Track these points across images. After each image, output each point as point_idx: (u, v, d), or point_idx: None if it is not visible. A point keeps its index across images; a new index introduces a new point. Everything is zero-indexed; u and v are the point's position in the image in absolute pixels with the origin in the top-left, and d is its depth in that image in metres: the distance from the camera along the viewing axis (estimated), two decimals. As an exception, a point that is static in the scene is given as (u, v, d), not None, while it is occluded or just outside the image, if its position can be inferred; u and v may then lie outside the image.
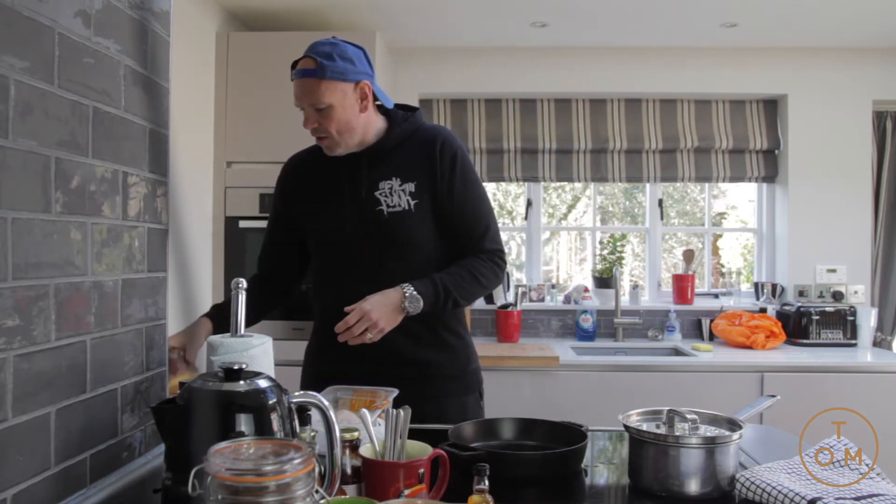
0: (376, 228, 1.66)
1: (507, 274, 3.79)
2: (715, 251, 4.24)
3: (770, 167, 3.81)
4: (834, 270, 3.69)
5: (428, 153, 1.69)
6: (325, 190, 1.73)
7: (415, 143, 1.71)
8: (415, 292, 1.57)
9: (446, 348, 1.73)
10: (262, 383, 1.00)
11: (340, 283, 1.70)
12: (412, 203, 1.67)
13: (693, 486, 1.13)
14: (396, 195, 1.67)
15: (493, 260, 1.71)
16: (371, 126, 1.69)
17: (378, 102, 1.70)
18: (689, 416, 1.16)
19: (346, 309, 1.55)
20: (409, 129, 1.72)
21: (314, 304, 1.81)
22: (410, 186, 1.67)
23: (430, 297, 1.60)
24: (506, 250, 1.78)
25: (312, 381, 1.74)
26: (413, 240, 1.67)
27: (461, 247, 1.71)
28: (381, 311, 1.54)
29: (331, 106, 1.60)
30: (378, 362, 1.64)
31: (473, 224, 1.71)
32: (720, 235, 4.31)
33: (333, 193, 1.72)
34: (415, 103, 3.69)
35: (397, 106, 1.77)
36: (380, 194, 1.67)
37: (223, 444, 0.82)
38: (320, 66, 1.58)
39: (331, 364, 1.70)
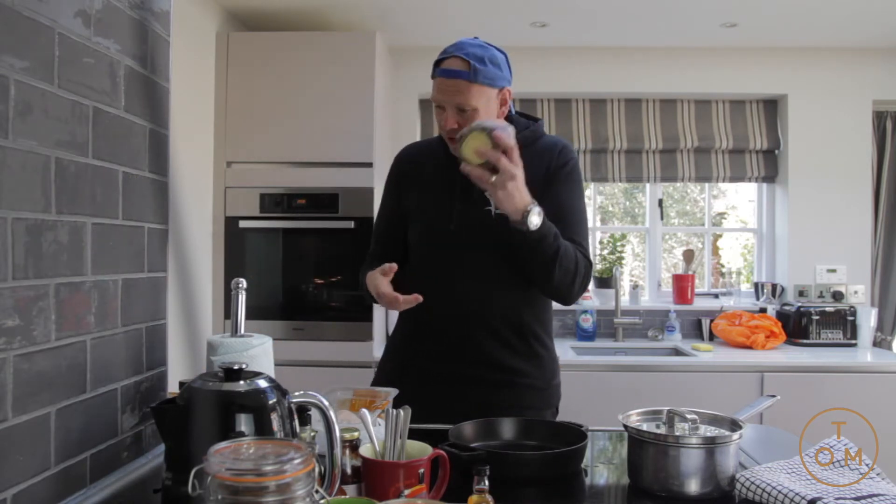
0: (482, 228, 1.64)
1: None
2: (715, 251, 4.24)
3: (770, 167, 3.81)
4: (834, 270, 3.69)
5: (546, 160, 1.67)
6: (436, 184, 1.71)
7: (534, 150, 1.68)
8: (540, 212, 1.49)
9: (535, 358, 1.69)
10: (262, 383, 1.00)
11: (437, 278, 1.66)
12: None
13: (693, 486, 1.13)
14: None
15: (586, 265, 1.63)
16: None
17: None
18: (689, 416, 1.16)
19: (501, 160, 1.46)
20: (530, 137, 1.69)
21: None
22: None
23: (547, 226, 1.52)
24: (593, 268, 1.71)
25: (394, 372, 1.71)
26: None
27: None
28: (519, 186, 1.47)
29: (475, 109, 1.58)
30: (465, 362, 1.63)
31: (567, 224, 1.62)
32: (720, 235, 4.31)
33: (444, 188, 1.69)
34: (415, 103, 3.69)
35: (519, 114, 1.75)
36: (490, 195, 1.62)
37: (223, 444, 0.82)
38: (473, 69, 1.56)
39: (418, 358, 1.67)
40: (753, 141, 3.77)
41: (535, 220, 1.50)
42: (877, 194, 3.77)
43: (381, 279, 1.57)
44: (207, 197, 3.06)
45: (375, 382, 1.74)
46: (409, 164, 1.81)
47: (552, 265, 1.55)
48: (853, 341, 3.44)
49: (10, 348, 0.94)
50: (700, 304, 3.78)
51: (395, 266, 1.56)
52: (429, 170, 1.76)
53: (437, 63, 1.63)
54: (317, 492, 0.83)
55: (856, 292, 3.67)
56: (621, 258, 3.88)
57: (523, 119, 1.75)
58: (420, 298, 1.52)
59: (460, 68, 1.58)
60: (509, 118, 1.71)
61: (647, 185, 3.96)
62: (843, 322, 3.45)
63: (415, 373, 1.59)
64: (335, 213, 3.03)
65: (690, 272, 3.87)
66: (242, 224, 3.07)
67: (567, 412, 1.71)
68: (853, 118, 3.69)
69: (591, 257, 1.69)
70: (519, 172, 1.48)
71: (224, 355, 1.20)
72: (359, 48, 3.08)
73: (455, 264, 1.66)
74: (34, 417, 0.99)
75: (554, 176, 1.67)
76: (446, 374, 1.58)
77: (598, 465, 1.38)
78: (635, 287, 3.86)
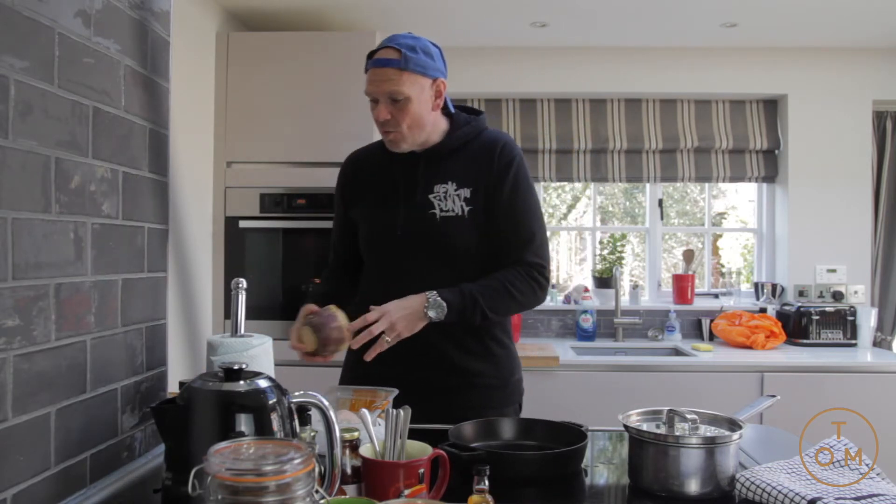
0: (428, 232, 1.63)
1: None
2: (715, 251, 4.24)
3: (770, 167, 3.81)
4: (834, 270, 3.69)
5: (488, 159, 1.66)
6: (379, 189, 1.71)
7: (475, 147, 1.68)
8: (439, 299, 1.52)
9: (491, 358, 1.69)
10: (262, 383, 1.00)
11: (387, 284, 1.65)
12: (466, 209, 1.62)
13: (693, 486, 1.13)
14: (451, 200, 1.63)
15: (531, 274, 1.62)
16: (437, 126, 1.66)
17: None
18: (689, 416, 1.16)
19: (371, 308, 1.52)
20: (470, 133, 1.68)
21: (360, 303, 1.73)
22: (466, 192, 1.63)
23: (456, 305, 1.54)
24: (551, 267, 1.71)
25: (354, 382, 1.68)
26: (463, 246, 1.63)
27: (503, 256, 1.64)
28: (401, 315, 1.50)
29: (408, 98, 1.57)
30: (423, 367, 1.62)
31: (517, 233, 1.64)
32: (720, 235, 4.31)
33: (388, 193, 1.69)
34: (415, 103, 3.69)
35: (460, 108, 1.74)
36: (434, 197, 1.64)
37: (223, 444, 0.82)
38: (404, 56, 1.56)
39: (374, 366, 1.63)
40: (753, 141, 3.77)
41: (438, 313, 1.54)
42: (877, 194, 3.76)
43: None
44: (207, 197, 3.06)
45: None
46: (352, 171, 1.79)
47: (490, 315, 1.59)
48: (853, 341, 3.44)
49: (10, 348, 0.94)
50: (700, 304, 3.78)
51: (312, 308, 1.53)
52: (371, 175, 1.74)
53: (369, 56, 1.62)
54: (317, 492, 0.83)
55: (856, 292, 3.67)
56: (621, 258, 3.88)
57: (464, 114, 1.73)
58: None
59: (392, 56, 1.57)
60: (447, 112, 1.70)
61: (647, 185, 3.96)
62: (843, 322, 3.45)
63: (374, 382, 1.54)
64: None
65: (690, 272, 3.87)
66: (242, 224, 3.07)
67: (567, 412, 1.71)
68: (853, 118, 3.69)
69: (540, 257, 1.65)
70: (394, 316, 1.49)
71: (224, 355, 1.20)
72: (359, 48, 3.05)
73: (404, 269, 1.65)
74: (34, 417, 0.99)
75: (499, 179, 1.64)
76: (404, 380, 1.54)
77: (598, 465, 1.38)
78: (635, 287, 3.86)
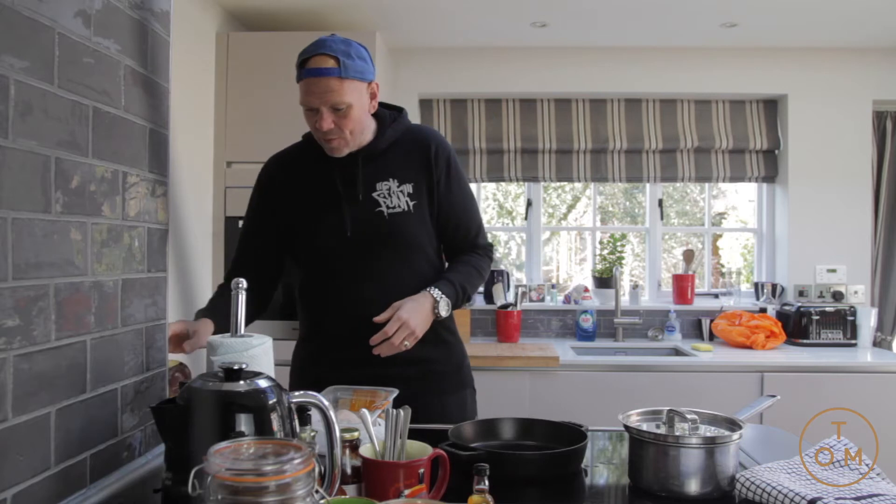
0: (378, 230, 1.65)
1: (507, 274, 3.80)
2: (715, 251, 4.24)
3: (770, 167, 3.81)
4: (834, 270, 3.69)
5: (423, 155, 1.70)
6: (317, 192, 1.70)
7: (407, 143, 1.71)
8: (444, 297, 1.61)
9: (443, 345, 1.75)
10: (262, 383, 1.00)
11: (341, 287, 1.67)
12: (411, 204, 1.67)
13: (693, 486, 1.13)
14: (395, 196, 1.66)
15: (487, 255, 1.79)
16: (369, 126, 1.69)
17: None
18: (689, 416, 1.16)
19: (378, 319, 1.55)
20: (399, 129, 1.72)
21: (304, 308, 1.78)
22: (408, 188, 1.67)
23: (453, 297, 1.65)
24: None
25: (308, 386, 1.70)
26: (415, 240, 1.68)
27: (457, 245, 1.76)
28: (418, 319, 1.56)
29: (350, 106, 1.57)
30: (377, 364, 1.63)
31: (469, 224, 1.76)
32: (720, 235, 4.31)
33: (328, 196, 1.68)
34: (415, 103, 3.69)
35: (382, 105, 1.74)
36: (378, 195, 1.66)
37: (223, 444, 0.82)
38: (343, 65, 1.54)
39: (329, 369, 1.67)
40: (753, 141, 3.77)
41: (446, 309, 1.63)
42: (877, 194, 3.77)
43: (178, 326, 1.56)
44: (207, 197, 3.06)
45: None
46: (281, 174, 1.76)
47: (470, 298, 1.75)
48: (853, 341, 3.44)
49: (10, 348, 0.94)
50: (700, 304, 3.78)
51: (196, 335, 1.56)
52: (304, 177, 1.72)
53: (302, 64, 1.59)
54: (317, 492, 0.83)
55: (856, 292, 3.67)
56: (621, 258, 3.88)
57: (387, 112, 1.74)
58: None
59: (329, 66, 1.55)
60: (376, 112, 1.71)
61: (647, 185, 3.96)
62: (843, 322, 3.45)
63: (327, 384, 1.53)
64: (335, 213, 3.03)
65: (690, 272, 3.87)
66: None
67: (567, 412, 1.71)
68: (853, 118, 3.69)
69: (486, 238, 1.82)
70: (412, 322, 1.55)
71: (224, 355, 1.20)
72: (359, 48, 3.08)
73: (355, 270, 1.66)
74: (34, 417, 0.99)
75: (445, 181, 1.71)
76: (365, 378, 1.55)
77: (598, 465, 1.38)
78: (635, 287, 3.86)
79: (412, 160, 1.70)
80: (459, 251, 1.77)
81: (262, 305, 1.78)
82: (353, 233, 1.66)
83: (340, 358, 1.67)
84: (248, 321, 1.65)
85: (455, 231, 1.75)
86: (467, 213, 1.76)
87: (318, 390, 1.48)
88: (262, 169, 1.83)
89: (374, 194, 1.66)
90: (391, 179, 1.67)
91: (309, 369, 1.76)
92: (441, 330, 1.73)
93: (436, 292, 1.61)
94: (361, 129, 1.64)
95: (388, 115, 1.73)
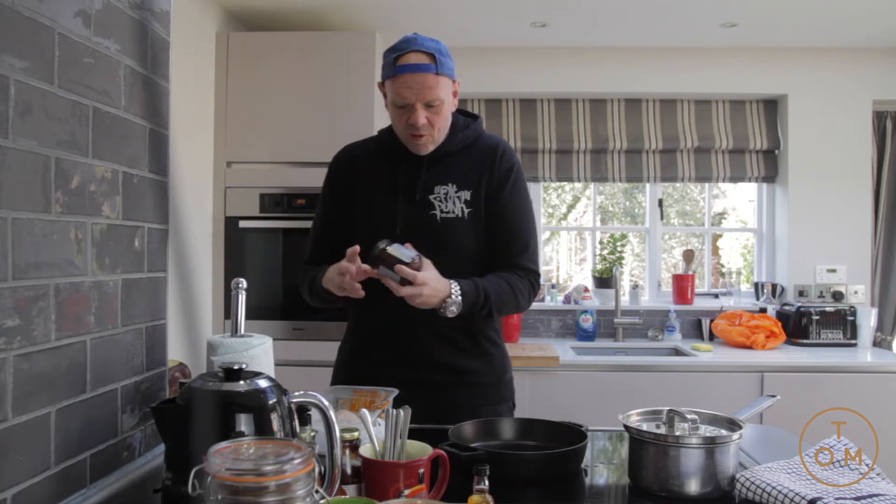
0: (428, 232, 1.63)
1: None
2: (715, 251, 4.24)
3: (770, 167, 3.81)
4: (834, 270, 3.69)
5: (487, 163, 1.68)
6: (379, 187, 1.69)
7: (475, 151, 1.69)
8: (459, 299, 1.53)
9: (484, 356, 1.70)
10: (262, 383, 1.00)
11: (383, 283, 1.62)
12: (466, 211, 1.64)
13: (693, 486, 1.13)
14: (451, 201, 1.64)
15: (531, 280, 1.67)
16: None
17: None
18: (689, 416, 1.16)
19: (406, 272, 1.49)
20: (471, 136, 1.70)
21: (352, 303, 1.73)
22: (466, 194, 1.65)
23: (471, 300, 1.56)
24: (551, 268, 1.77)
25: (347, 382, 1.66)
26: (462, 247, 1.64)
27: (499, 260, 1.67)
28: (429, 295, 1.50)
29: (443, 102, 1.57)
30: (415, 367, 1.63)
31: (514, 238, 1.67)
32: (720, 235, 4.31)
33: (387, 192, 1.68)
34: (415, 103, 3.69)
35: (457, 111, 1.73)
36: (434, 198, 1.65)
37: (223, 444, 0.82)
38: (438, 61, 1.54)
39: (367, 367, 1.66)
40: (753, 141, 3.77)
41: (452, 311, 1.54)
42: (877, 194, 3.77)
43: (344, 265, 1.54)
44: (207, 197, 3.06)
45: None
46: (350, 166, 1.76)
47: (494, 314, 1.63)
48: (853, 341, 3.44)
49: (10, 348, 0.94)
50: (700, 304, 3.78)
51: (356, 248, 1.53)
52: (368, 171, 1.72)
53: (395, 60, 1.57)
54: (317, 492, 0.83)
55: (856, 292, 3.67)
56: (621, 258, 3.88)
57: (462, 117, 1.73)
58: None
59: (426, 62, 1.54)
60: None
61: (647, 185, 3.96)
62: (843, 322, 3.45)
63: (366, 382, 1.53)
64: (335, 213, 3.03)
65: (690, 272, 3.87)
66: (242, 224, 3.07)
67: (567, 412, 1.71)
68: (853, 118, 3.69)
69: (535, 264, 1.69)
70: (425, 290, 1.49)
71: (224, 355, 1.20)
72: (359, 48, 3.08)
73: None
74: (34, 417, 0.99)
75: (499, 186, 1.66)
76: (397, 380, 1.53)
77: (598, 465, 1.38)
78: (635, 287, 3.86)
79: (475, 167, 1.67)
80: (498, 266, 1.66)
81: None
82: (402, 230, 1.63)
83: (379, 356, 1.66)
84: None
85: (498, 239, 1.67)
86: (516, 226, 1.67)
87: (360, 384, 1.49)
88: (333, 158, 1.81)
89: (431, 197, 1.65)
90: (450, 184, 1.65)
91: (351, 363, 1.74)
92: (483, 340, 1.69)
93: (455, 288, 1.54)
94: (447, 127, 1.64)
95: (461, 119, 1.72)
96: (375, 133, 1.82)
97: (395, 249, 1.52)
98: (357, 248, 1.53)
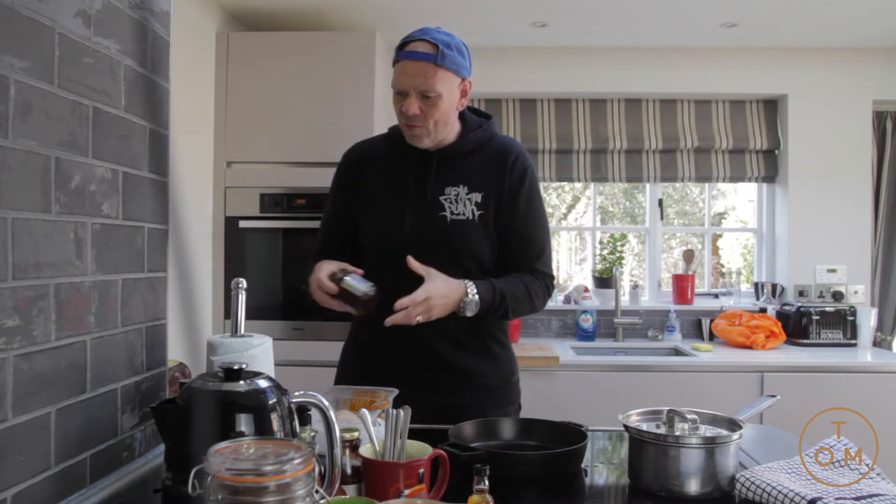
0: (436, 234, 1.61)
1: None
2: (715, 251, 4.24)
3: (770, 167, 3.81)
4: (834, 270, 3.69)
5: (500, 165, 1.65)
6: (388, 186, 1.67)
7: (487, 152, 1.67)
8: (476, 297, 1.54)
9: (491, 357, 1.69)
10: (262, 383, 1.00)
11: (391, 283, 1.60)
12: (477, 213, 1.62)
13: (693, 486, 1.13)
14: (462, 203, 1.62)
15: (546, 284, 1.68)
16: (454, 127, 1.65)
17: None
18: (689, 416, 1.16)
19: (406, 301, 1.49)
20: (483, 137, 1.68)
21: None
22: (477, 196, 1.63)
23: (488, 302, 1.56)
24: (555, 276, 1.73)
25: (352, 382, 1.65)
26: (472, 250, 1.63)
27: (512, 262, 1.66)
28: (441, 304, 1.51)
29: (439, 95, 1.54)
30: (421, 367, 1.62)
31: (530, 243, 1.67)
32: (720, 235, 4.31)
33: (397, 191, 1.66)
34: (415, 103, 3.69)
35: (470, 110, 1.72)
36: (445, 199, 1.63)
37: (223, 444, 0.82)
38: (441, 52, 1.52)
39: (373, 366, 1.65)
40: (753, 141, 3.77)
41: (472, 309, 1.55)
42: (877, 194, 3.77)
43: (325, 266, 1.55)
44: (207, 197, 3.06)
45: None
46: (359, 164, 1.74)
47: (510, 315, 1.63)
48: (853, 341, 3.44)
49: (10, 348, 0.94)
50: (700, 304, 3.78)
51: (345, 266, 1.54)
52: (378, 170, 1.70)
53: (401, 47, 1.57)
54: (317, 492, 0.83)
55: (856, 292, 3.67)
56: (621, 258, 3.88)
57: (475, 117, 1.71)
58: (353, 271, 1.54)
59: (427, 51, 1.53)
60: (461, 114, 1.68)
61: (647, 185, 3.96)
62: (843, 322, 3.45)
63: (374, 381, 1.53)
64: (335, 213, 3.03)
65: (690, 272, 3.87)
66: (242, 224, 3.07)
67: (567, 412, 1.71)
68: (853, 118, 3.69)
69: (549, 268, 1.70)
70: (433, 302, 1.50)
71: (224, 355, 1.20)
72: (359, 48, 3.08)
73: (409, 269, 1.60)
74: (34, 417, 0.99)
75: (514, 192, 1.65)
76: (404, 380, 1.53)
77: (598, 465, 1.38)
78: (635, 287, 3.86)
79: (488, 169, 1.65)
80: (514, 269, 1.65)
81: None
82: (410, 230, 1.62)
83: (385, 355, 1.64)
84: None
85: (513, 247, 1.66)
86: (531, 231, 1.67)
87: (365, 384, 1.50)
88: (343, 156, 1.79)
89: (442, 198, 1.63)
90: (461, 186, 1.63)
91: (357, 361, 1.72)
92: (490, 342, 1.69)
93: (471, 288, 1.54)
94: (445, 123, 1.60)
95: (474, 120, 1.70)
96: (377, 132, 1.81)
97: (348, 283, 1.52)
98: (332, 271, 1.53)
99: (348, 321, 1.81)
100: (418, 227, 1.63)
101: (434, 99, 1.55)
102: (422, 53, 1.53)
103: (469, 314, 1.55)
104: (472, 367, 1.66)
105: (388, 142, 1.73)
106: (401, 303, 1.49)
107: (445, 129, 1.62)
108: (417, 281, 1.55)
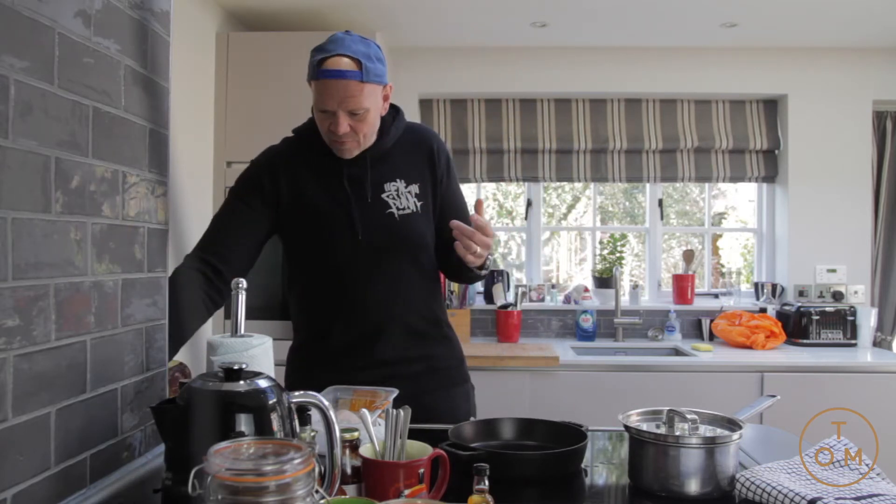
0: (389, 232, 1.62)
1: (507, 274, 3.80)
2: (715, 251, 4.24)
3: (770, 167, 3.81)
4: (834, 270, 3.69)
5: (426, 154, 1.70)
6: (324, 192, 1.64)
7: (408, 143, 1.70)
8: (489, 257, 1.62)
9: (446, 341, 1.76)
10: (262, 383, 1.00)
11: (351, 290, 1.63)
12: (419, 204, 1.66)
13: (693, 486, 1.13)
14: (404, 197, 1.65)
15: None
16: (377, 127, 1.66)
17: None
18: (689, 416, 1.16)
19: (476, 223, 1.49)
20: (400, 128, 1.70)
21: (309, 312, 1.72)
22: (415, 188, 1.67)
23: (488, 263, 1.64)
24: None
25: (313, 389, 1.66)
26: (423, 240, 1.67)
27: (451, 244, 1.67)
28: (490, 241, 1.55)
29: (367, 111, 1.52)
30: (383, 364, 1.64)
31: (466, 221, 1.68)
32: (720, 235, 4.31)
33: (336, 197, 1.63)
34: (415, 103, 3.69)
35: None
36: (387, 196, 1.64)
37: (223, 444, 0.82)
38: (365, 68, 1.49)
39: (337, 373, 1.62)
40: (753, 141, 3.77)
41: (485, 269, 1.63)
42: (877, 194, 3.77)
43: None
44: (207, 197, 3.06)
45: None
46: (285, 166, 1.65)
47: (484, 269, 1.66)
48: (853, 341, 3.44)
49: (10, 348, 0.94)
50: (700, 304, 3.78)
51: None
52: (309, 175, 1.64)
53: (319, 63, 1.49)
54: (317, 492, 0.83)
55: (856, 292, 3.67)
56: (621, 258, 3.88)
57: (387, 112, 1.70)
58: None
59: (351, 68, 1.48)
60: None
61: (647, 185, 3.96)
62: (843, 322, 3.45)
63: (325, 385, 1.47)
64: (335, 213, 3.03)
65: (690, 272, 3.87)
66: (242, 224, 3.07)
67: (567, 412, 1.71)
68: (853, 118, 3.69)
69: None
70: (489, 240, 1.53)
71: (224, 355, 1.20)
72: (359, 48, 3.08)
73: (367, 272, 1.62)
74: (34, 417, 0.99)
75: (441, 174, 1.71)
76: (369, 380, 1.52)
77: (598, 465, 1.38)
78: (635, 287, 3.86)
79: (416, 160, 1.69)
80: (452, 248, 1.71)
81: (223, 299, 1.60)
82: (364, 235, 1.61)
83: (349, 362, 1.65)
84: (201, 321, 1.55)
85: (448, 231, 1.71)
86: (463, 210, 1.74)
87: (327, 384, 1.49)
88: (262, 159, 1.72)
89: (384, 195, 1.64)
90: (399, 180, 1.66)
91: (313, 373, 1.68)
92: (444, 327, 1.76)
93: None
94: (374, 132, 1.61)
95: (388, 115, 1.70)
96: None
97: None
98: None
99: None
100: (371, 229, 1.62)
101: (363, 115, 1.53)
102: (346, 72, 1.48)
103: (485, 272, 1.64)
104: (431, 353, 1.71)
105: (305, 147, 1.66)
106: (476, 219, 1.49)
107: (373, 135, 1.63)
108: (378, 285, 1.62)
